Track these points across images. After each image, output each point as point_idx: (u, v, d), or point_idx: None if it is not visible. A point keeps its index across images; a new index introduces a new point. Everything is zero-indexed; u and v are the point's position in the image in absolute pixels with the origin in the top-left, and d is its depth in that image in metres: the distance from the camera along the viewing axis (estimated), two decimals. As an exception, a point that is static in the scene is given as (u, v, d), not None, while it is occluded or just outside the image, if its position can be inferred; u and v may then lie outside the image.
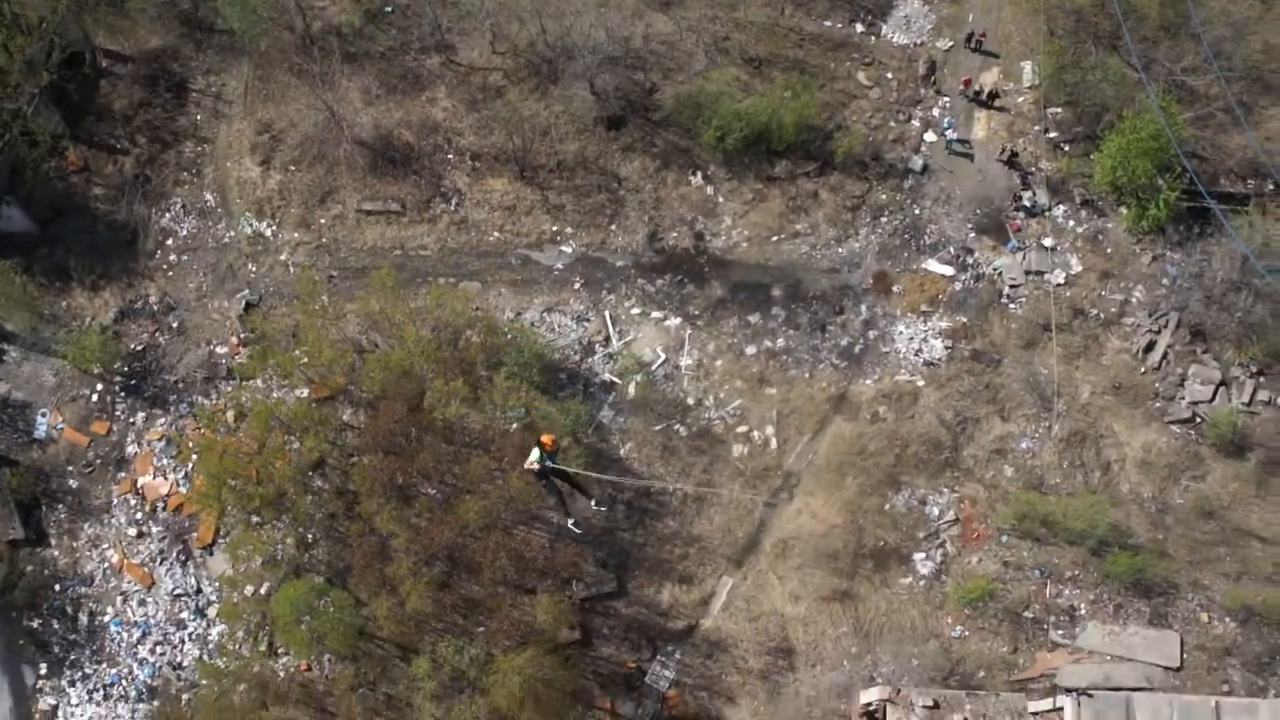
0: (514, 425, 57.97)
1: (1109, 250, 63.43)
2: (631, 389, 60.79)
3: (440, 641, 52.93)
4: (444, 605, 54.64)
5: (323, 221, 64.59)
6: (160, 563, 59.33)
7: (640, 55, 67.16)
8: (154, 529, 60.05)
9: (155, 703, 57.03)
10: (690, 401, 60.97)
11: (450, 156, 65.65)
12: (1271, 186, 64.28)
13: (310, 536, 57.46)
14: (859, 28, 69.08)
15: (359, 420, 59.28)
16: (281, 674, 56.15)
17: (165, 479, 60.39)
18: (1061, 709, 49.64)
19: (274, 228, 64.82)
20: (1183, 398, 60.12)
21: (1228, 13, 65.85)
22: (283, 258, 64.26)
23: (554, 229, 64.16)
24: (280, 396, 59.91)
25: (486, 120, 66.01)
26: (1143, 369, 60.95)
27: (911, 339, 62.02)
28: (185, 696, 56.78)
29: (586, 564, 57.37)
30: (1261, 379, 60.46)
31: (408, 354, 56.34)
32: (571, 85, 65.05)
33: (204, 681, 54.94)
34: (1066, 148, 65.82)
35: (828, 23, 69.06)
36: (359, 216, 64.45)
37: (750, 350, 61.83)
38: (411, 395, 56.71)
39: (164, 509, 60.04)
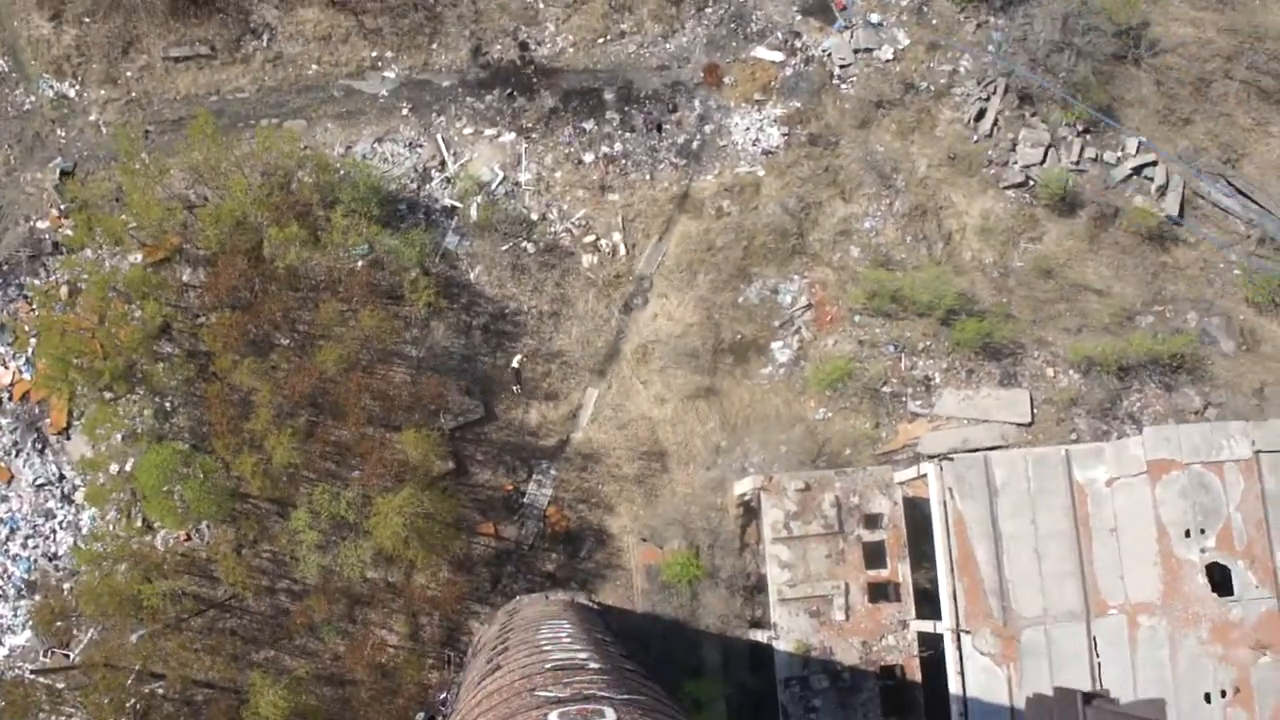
0: (359, 262, 56.95)
1: (934, 21, 63.46)
2: (474, 211, 59.83)
3: (315, 491, 52.74)
4: (313, 454, 54.37)
5: (129, 74, 60.98)
6: (16, 455, 57.46)
7: None
8: (2, 421, 58.00)
9: (37, 597, 56.02)
10: (534, 217, 60.39)
11: (255, -12, 62.29)
12: (1088, -59, 64.72)
13: (168, 404, 56.36)
14: None
15: (199, 279, 57.49)
16: (161, 548, 55.74)
17: (5, 367, 58.12)
18: (925, 475, 51.71)
19: (77, 87, 61.01)
20: (1015, 162, 61.44)
21: None
22: (92, 118, 60.72)
23: (373, 55, 61.74)
24: (114, 265, 57.63)
25: (288, -56, 62.52)
26: (975, 137, 61.92)
27: (748, 129, 61.88)
28: (67, 586, 55.93)
29: (451, 394, 57.34)
30: (1088, 137, 61.99)
31: (239, 203, 54.46)
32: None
33: (83, 568, 54.02)
34: (885, -82, 65.09)
35: None
36: (167, 64, 60.97)
37: (588, 158, 61.13)
38: (250, 246, 55.03)
39: (10, 399, 57.85)
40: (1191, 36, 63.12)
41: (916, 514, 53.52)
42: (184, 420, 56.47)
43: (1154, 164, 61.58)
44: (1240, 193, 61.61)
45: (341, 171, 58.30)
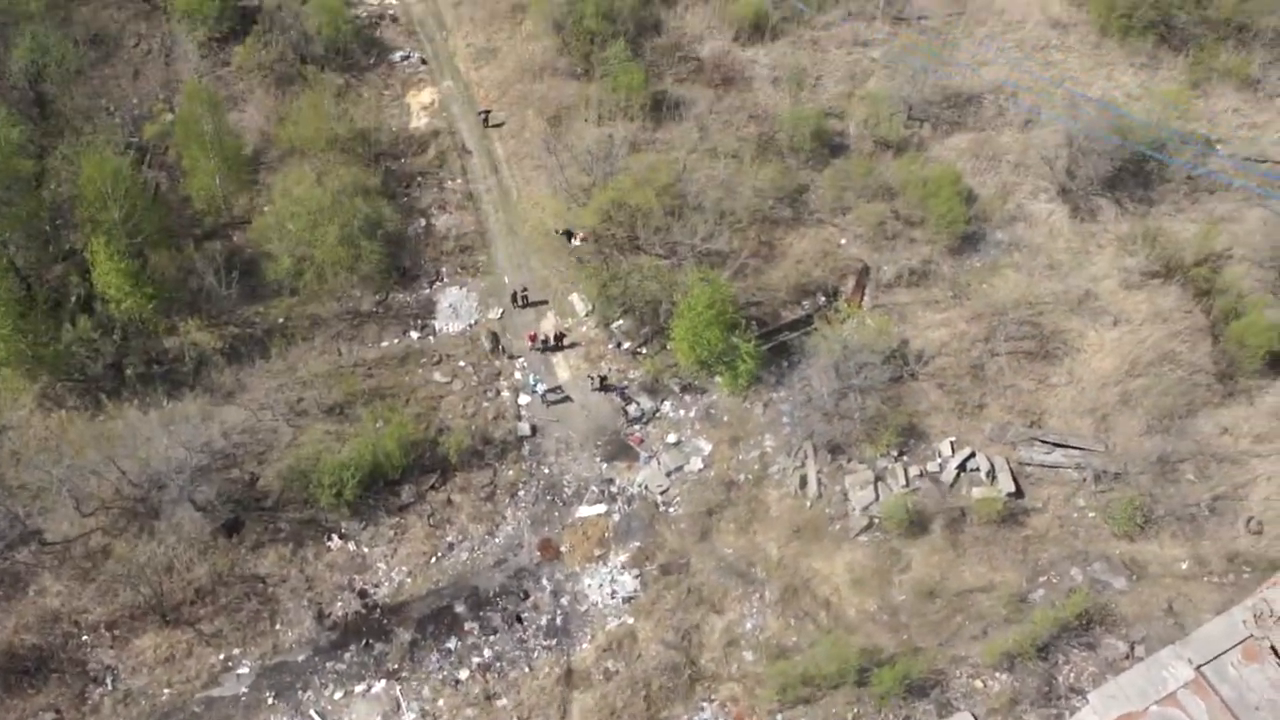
0: None
1: (725, 419, 66.51)
2: (372, 775, 57.66)
3: None
4: None
5: (-20, 760, 58.42)
6: None
7: (227, 453, 65.66)
8: None
9: None
10: (434, 757, 58.48)
11: (85, 637, 60.95)
12: (823, 298, 69.77)
13: None
14: (414, 335, 70.68)
15: None
16: None
17: None
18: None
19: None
20: (853, 509, 63.02)
21: (713, 179, 71.79)
22: (-45, 841, 57.50)
23: (221, 657, 60.61)
24: None
25: (106, 585, 61.88)
26: (808, 503, 63.60)
27: (602, 585, 62.25)
28: None
29: None
30: (905, 458, 64.48)
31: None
32: (174, 512, 62.63)
33: None
34: (644, 350, 69.19)
35: (384, 343, 70.27)
36: (16, 737, 58.81)
37: (463, 674, 60.01)
38: None
39: None
40: (947, 335, 67.59)
41: None
42: None
43: (973, 455, 64.05)
44: (1057, 445, 64.27)
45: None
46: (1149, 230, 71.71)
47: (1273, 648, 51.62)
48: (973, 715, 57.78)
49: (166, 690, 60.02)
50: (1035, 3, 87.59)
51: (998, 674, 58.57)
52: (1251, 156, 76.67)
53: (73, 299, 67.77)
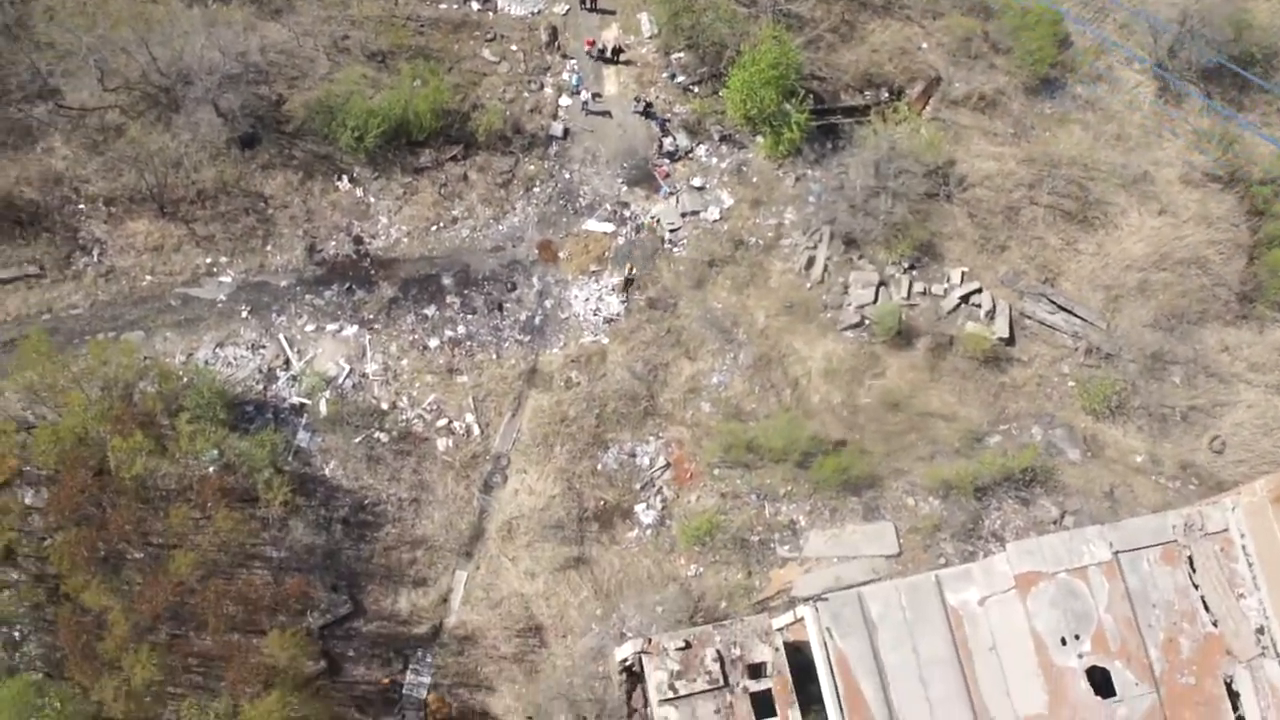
0: (210, 468, 55.58)
1: (755, 179, 66.09)
2: (323, 406, 59.15)
3: (183, 705, 50.21)
4: (175, 668, 51.86)
5: (-44, 300, 59.58)
6: None
7: (260, 69, 64.89)
8: None
9: None
10: (384, 406, 59.92)
11: (82, 206, 61.59)
12: (886, 94, 68.59)
13: (17, 633, 53.48)
14: (475, 5, 69.10)
15: (42, 500, 55.30)
16: (32, 797, 51.90)
17: None
18: (803, 618, 51.50)
19: (-98, 316, 59.22)
20: (849, 304, 63.48)
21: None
22: (-83, 342, 58.92)
23: (208, 261, 61.48)
24: (-53, 495, 55.17)
25: (112, 162, 62.14)
26: (808, 285, 63.94)
27: (588, 300, 62.90)
28: None
29: (317, 591, 55.73)
30: (914, 272, 64.58)
31: (79, 419, 52.88)
32: (195, 111, 62.18)
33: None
34: (696, 89, 68.07)
35: (444, 5, 68.78)
36: (-6, 287, 59.80)
37: (433, 343, 61.24)
38: (93, 460, 53.31)
39: None
40: (995, 170, 66.74)
41: (800, 658, 52.92)
42: (36, 648, 53.32)
43: (979, 290, 64.24)
44: (1062, 309, 64.48)
45: (184, 379, 57.30)
46: (1228, 134, 70.36)
47: (1190, 559, 53.01)
48: (895, 527, 59.73)
49: (148, 277, 60.94)
50: None
51: (931, 498, 60.28)
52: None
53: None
